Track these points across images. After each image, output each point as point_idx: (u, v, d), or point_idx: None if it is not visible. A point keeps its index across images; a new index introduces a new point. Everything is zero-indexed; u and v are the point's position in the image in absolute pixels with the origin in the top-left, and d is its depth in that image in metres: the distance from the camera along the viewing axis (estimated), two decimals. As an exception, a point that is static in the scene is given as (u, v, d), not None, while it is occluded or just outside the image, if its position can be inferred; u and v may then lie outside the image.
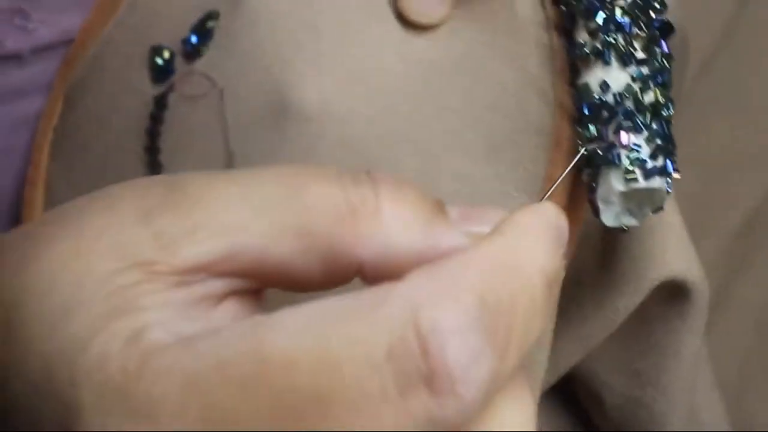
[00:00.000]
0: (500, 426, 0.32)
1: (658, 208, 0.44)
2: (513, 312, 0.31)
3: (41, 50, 0.51)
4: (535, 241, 0.33)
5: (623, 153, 0.42)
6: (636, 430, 0.52)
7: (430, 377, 0.29)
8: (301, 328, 0.30)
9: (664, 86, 0.43)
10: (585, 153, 0.43)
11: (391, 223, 0.33)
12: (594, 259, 0.49)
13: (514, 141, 0.45)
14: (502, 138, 0.45)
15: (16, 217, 0.52)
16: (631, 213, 0.43)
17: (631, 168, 0.42)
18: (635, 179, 0.42)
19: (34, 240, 0.33)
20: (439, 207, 0.35)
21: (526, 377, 0.33)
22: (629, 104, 0.43)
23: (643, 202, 0.43)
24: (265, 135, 0.45)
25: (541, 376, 0.46)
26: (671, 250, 0.47)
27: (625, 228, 0.44)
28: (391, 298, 0.30)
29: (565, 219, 0.35)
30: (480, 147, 0.45)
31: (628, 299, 0.47)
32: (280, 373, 0.30)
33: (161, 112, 0.48)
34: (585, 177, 0.45)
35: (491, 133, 0.45)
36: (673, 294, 0.48)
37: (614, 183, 0.42)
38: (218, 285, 0.34)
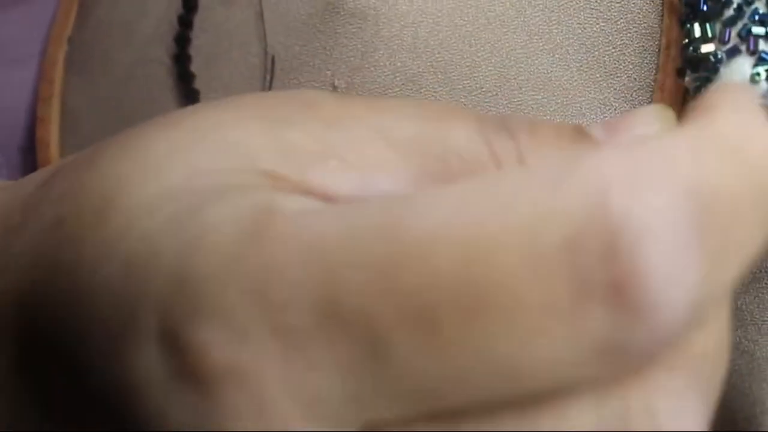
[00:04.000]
0: (692, 370, 0.26)
1: None
2: (734, 209, 0.24)
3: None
4: (753, 117, 0.25)
5: (749, 61, 0.40)
6: (732, 384, 0.50)
7: (614, 285, 0.23)
8: (451, 205, 0.24)
9: None
10: (691, 55, 0.41)
11: None
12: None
13: (612, 43, 0.43)
14: (597, 39, 0.43)
15: (32, 135, 0.51)
16: None
17: (758, 78, 0.40)
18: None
19: (135, 135, 0.31)
20: (579, 133, 0.29)
21: (729, 306, 0.27)
22: (761, 6, 0.41)
23: None
24: (311, 37, 0.44)
25: None
26: None
27: None
28: (577, 172, 0.23)
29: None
30: (570, 50, 0.43)
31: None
32: (416, 258, 0.24)
33: (191, 16, 0.47)
34: (689, 82, 0.42)
35: (584, 33, 0.43)
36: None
37: None
38: None
